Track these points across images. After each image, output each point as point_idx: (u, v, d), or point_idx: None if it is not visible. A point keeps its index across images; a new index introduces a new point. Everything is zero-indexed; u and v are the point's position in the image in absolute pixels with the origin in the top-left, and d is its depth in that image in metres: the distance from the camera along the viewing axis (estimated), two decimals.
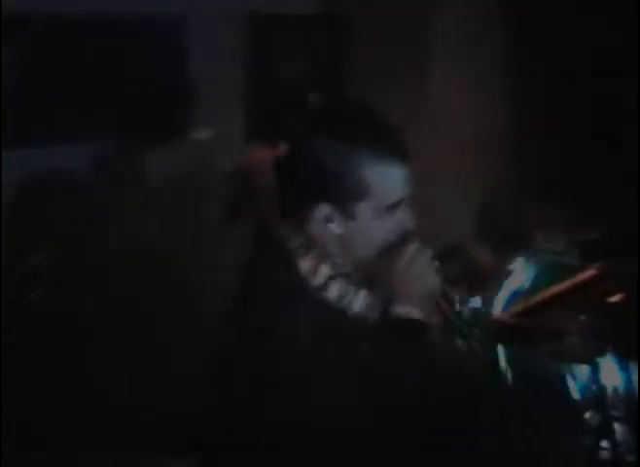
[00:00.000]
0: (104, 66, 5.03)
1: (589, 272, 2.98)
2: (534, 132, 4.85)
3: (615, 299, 2.91)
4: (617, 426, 3.09)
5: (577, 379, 3.14)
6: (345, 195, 1.69)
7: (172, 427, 3.83)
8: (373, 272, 1.78)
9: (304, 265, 1.74)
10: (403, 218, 1.75)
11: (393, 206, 1.72)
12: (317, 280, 1.73)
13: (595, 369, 3.01)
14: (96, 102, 5.01)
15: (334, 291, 1.74)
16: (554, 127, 4.77)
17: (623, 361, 3.03)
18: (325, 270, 1.75)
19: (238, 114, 5.45)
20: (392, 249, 1.74)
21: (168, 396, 4.14)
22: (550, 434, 3.11)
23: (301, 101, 4.27)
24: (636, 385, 3.05)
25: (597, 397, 3.05)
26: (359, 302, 1.76)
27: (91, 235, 4.74)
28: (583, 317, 2.90)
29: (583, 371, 3.09)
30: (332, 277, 1.74)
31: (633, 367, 3.08)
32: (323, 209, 1.71)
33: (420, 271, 1.74)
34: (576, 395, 3.16)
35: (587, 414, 3.14)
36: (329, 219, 1.72)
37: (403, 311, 1.72)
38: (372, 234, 1.74)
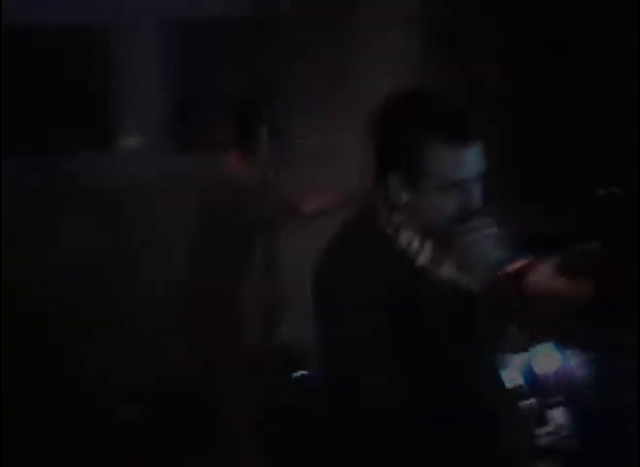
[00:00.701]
0: (28, 76, 4.97)
1: (526, 260, 3.03)
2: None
3: None
4: (555, 412, 3.14)
5: (515, 368, 3.18)
6: (413, 170, 1.92)
7: None
8: (437, 237, 1.97)
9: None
10: (466, 196, 1.94)
11: (454, 184, 1.91)
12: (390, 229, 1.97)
13: (532, 356, 3.06)
14: (22, 112, 4.95)
15: (403, 238, 1.97)
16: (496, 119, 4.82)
17: (560, 348, 3.09)
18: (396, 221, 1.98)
19: (165, 121, 5.42)
20: (455, 221, 1.93)
21: None
22: (489, 423, 3.14)
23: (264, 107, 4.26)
24: (575, 371, 3.10)
25: (538, 383, 3.09)
26: (426, 253, 1.97)
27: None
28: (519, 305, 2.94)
29: (520, 359, 3.14)
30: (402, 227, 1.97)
31: (569, 353, 3.14)
32: (394, 177, 1.94)
33: (479, 244, 1.96)
34: (515, 383, 3.20)
35: (527, 401, 3.19)
36: (399, 187, 1.94)
37: (455, 276, 1.95)
38: (435, 207, 1.94)
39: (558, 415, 3.12)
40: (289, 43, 5.47)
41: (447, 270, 1.95)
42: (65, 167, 4.99)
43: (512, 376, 3.20)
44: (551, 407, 3.12)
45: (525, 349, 3.06)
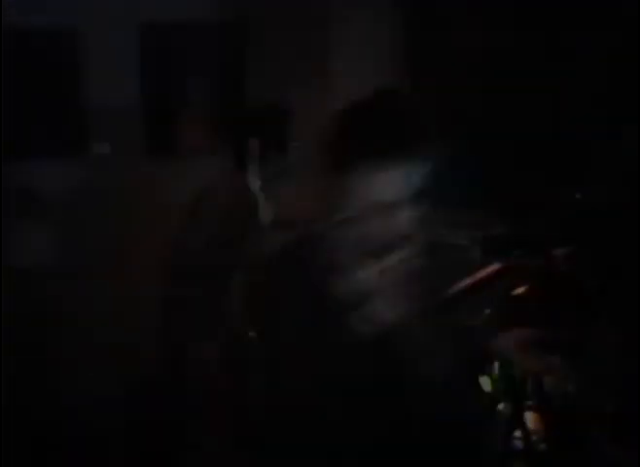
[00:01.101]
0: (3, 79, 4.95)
1: (493, 267, 3.03)
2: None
3: (519, 291, 2.96)
4: (528, 415, 3.15)
5: (488, 372, 3.19)
6: (348, 191, 1.78)
7: None
8: (366, 267, 1.81)
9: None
10: (401, 220, 1.82)
11: (391, 208, 1.79)
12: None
13: (505, 361, 3.06)
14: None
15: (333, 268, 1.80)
16: (459, 127, 4.83)
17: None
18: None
19: (137, 127, 5.40)
20: (385, 249, 1.79)
21: None
22: (461, 424, 3.14)
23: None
24: (544, 374, 3.10)
25: (508, 388, 3.10)
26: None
27: None
28: (488, 311, 2.95)
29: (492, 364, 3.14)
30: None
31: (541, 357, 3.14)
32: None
33: (404, 277, 1.79)
34: (488, 387, 3.21)
35: (500, 405, 3.19)
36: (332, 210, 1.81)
37: (382, 308, 1.77)
38: (369, 230, 1.79)
39: (529, 420, 3.13)
40: (263, 45, 5.47)
41: (379, 303, 1.79)
42: (36, 171, 4.98)
43: (483, 380, 3.21)
44: (523, 410, 3.13)
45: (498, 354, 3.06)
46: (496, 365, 3.11)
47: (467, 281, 3.13)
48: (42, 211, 4.98)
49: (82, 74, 5.21)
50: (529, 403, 3.14)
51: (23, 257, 4.81)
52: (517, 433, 3.13)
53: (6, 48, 4.96)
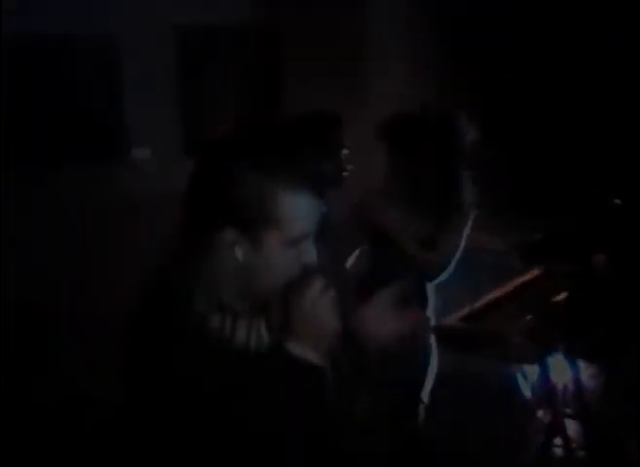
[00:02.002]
0: (38, 88, 4.99)
1: (532, 274, 3.02)
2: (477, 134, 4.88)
3: (559, 298, 2.95)
4: (568, 423, 3.13)
5: (527, 379, 3.18)
6: (253, 222, 1.61)
7: None
8: (270, 305, 1.68)
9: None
10: (308, 252, 1.65)
11: (299, 239, 1.63)
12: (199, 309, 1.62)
13: (544, 368, 3.05)
14: (31, 124, 4.97)
15: (214, 321, 1.63)
16: (492, 129, 4.81)
17: (572, 359, 3.07)
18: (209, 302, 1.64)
19: (175, 131, 5.42)
20: (293, 285, 1.63)
21: None
22: (503, 433, 3.14)
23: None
24: (585, 382, 3.09)
25: (548, 395, 3.09)
26: (243, 333, 1.66)
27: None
28: (528, 318, 2.93)
29: (533, 370, 3.13)
30: (215, 308, 1.64)
31: (581, 364, 3.13)
32: (229, 234, 1.61)
33: (321, 312, 1.63)
34: (527, 394, 3.19)
35: (539, 413, 3.18)
36: (233, 244, 1.62)
37: (297, 351, 1.60)
38: (274, 265, 1.63)
39: (570, 427, 3.12)
40: (296, 47, 5.48)
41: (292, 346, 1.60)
42: (76, 179, 5.01)
43: (522, 387, 3.20)
44: (562, 418, 3.12)
45: (537, 361, 3.05)
46: (535, 370, 3.11)
47: (506, 287, 3.12)
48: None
49: (118, 81, 5.24)
50: (568, 410, 3.13)
51: None
52: (557, 440, 3.12)
53: (43, 56, 5.01)
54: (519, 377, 3.18)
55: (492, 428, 2.91)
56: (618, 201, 2.88)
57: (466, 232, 3.04)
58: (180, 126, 5.43)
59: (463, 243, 3.02)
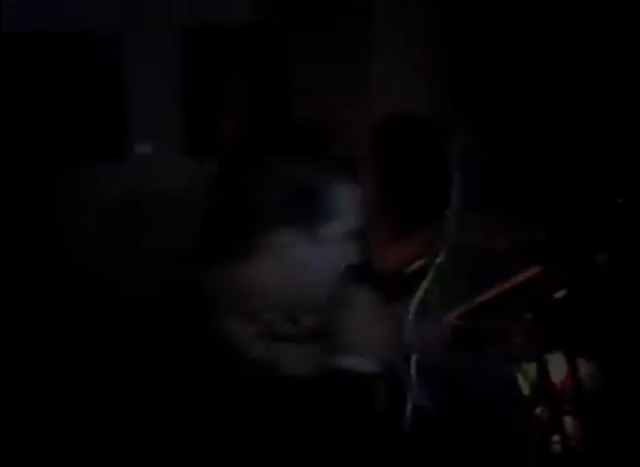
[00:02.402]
0: (42, 84, 5.01)
1: (533, 271, 3.03)
2: (474, 135, 4.88)
3: (559, 296, 2.96)
4: (567, 420, 3.15)
5: (526, 376, 3.19)
6: (308, 218, 1.53)
7: None
8: (318, 319, 1.59)
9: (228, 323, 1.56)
10: (350, 250, 1.58)
11: (350, 233, 1.57)
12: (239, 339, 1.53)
13: (543, 365, 3.06)
14: (36, 121, 4.99)
15: (256, 351, 1.52)
16: (495, 128, 4.82)
17: (571, 356, 3.09)
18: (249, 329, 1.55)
19: (177, 128, 5.44)
20: (342, 294, 1.56)
21: None
22: (501, 431, 3.15)
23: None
24: (584, 379, 3.10)
25: (547, 393, 3.10)
26: (290, 359, 1.55)
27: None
28: (528, 315, 2.94)
29: (531, 368, 3.14)
30: (256, 336, 1.55)
31: (580, 362, 3.14)
32: (283, 234, 1.53)
33: (374, 319, 1.56)
34: (526, 392, 3.20)
35: (538, 410, 3.19)
36: (288, 244, 1.53)
37: (348, 364, 1.52)
38: (327, 262, 1.55)
39: (569, 424, 3.13)
40: (303, 47, 5.48)
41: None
42: (78, 175, 5.03)
43: (521, 384, 3.21)
44: (561, 415, 3.13)
45: (534, 359, 3.06)
46: (533, 368, 3.12)
47: (506, 285, 3.12)
48: None
49: (122, 77, 5.26)
50: (567, 407, 3.14)
51: None
52: (556, 437, 3.13)
53: (47, 53, 5.03)
54: (518, 374, 3.19)
55: (490, 426, 2.92)
56: (619, 201, 2.90)
57: (448, 231, 3.04)
58: (182, 125, 5.45)
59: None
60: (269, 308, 1.56)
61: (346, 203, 1.57)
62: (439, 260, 3.06)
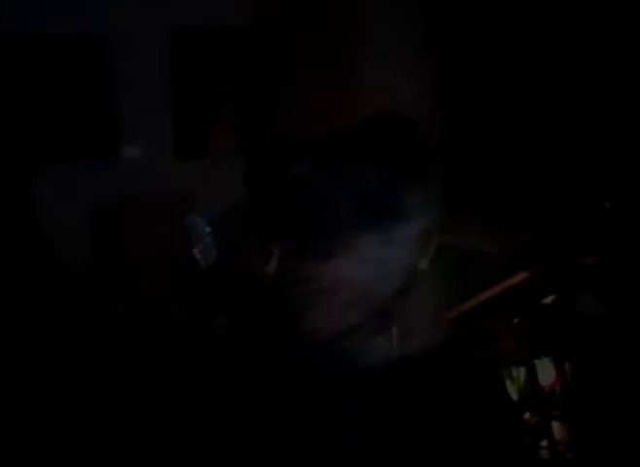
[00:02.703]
0: (29, 84, 5.00)
1: (521, 276, 3.03)
2: (464, 137, 4.89)
3: (548, 301, 2.96)
4: (555, 425, 3.14)
5: (514, 381, 3.19)
6: (384, 222, 1.63)
7: None
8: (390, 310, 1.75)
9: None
10: (417, 248, 1.72)
11: (417, 235, 1.71)
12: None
13: (532, 370, 3.06)
14: (21, 122, 4.98)
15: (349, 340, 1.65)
16: (484, 132, 4.82)
17: (559, 361, 3.09)
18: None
19: (166, 130, 5.41)
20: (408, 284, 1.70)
21: None
22: (490, 435, 3.14)
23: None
24: (572, 384, 3.10)
25: (535, 397, 3.10)
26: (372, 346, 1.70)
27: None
28: (517, 320, 2.95)
29: (520, 373, 3.14)
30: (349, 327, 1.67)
31: (569, 367, 3.14)
32: (365, 236, 1.64)
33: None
34: (514, 396, 3.20)
35: (526, 415, 3.19)
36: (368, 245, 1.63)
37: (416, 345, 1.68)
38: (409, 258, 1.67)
39: (557, 429, 3.13)
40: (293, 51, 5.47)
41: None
42: (66, 176, 5.01)
43: (509, 389, 3.21)
44: (549, 420, 3.13)
45: (525, 363, 3.06)
46: (522, 372, 3.12)
47: (495, 289, 3.12)
48: None
49: (112, 78, 5.24)
50: (556, 412, 3.14)
51: None
52: (544, 442, 3.13)
53: (35, 52, 5.02)
54: (506, 378, 3.19)
55: (478, 430, 2.91)
56: (607, 205, 2.90)
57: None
58: (171, 128, 5.43)
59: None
60: (354, 301, 1.69)
61: (416, 207, 1.70)
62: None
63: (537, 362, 3.03)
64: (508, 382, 3.16)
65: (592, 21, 4.53)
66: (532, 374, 3.05)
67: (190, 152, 5.38)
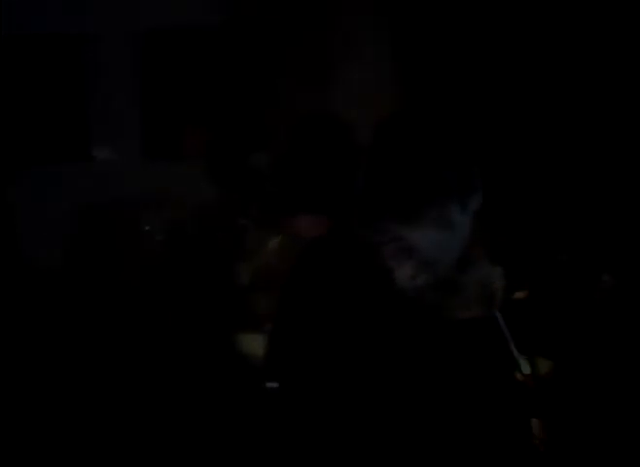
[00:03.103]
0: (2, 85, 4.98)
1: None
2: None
3: (520, 296, 2.96)
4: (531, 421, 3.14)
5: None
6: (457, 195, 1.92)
7: None
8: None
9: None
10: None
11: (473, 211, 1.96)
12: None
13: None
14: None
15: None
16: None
17: (532, 356, 3.08)
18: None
19: (137, 131, 5.41)
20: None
21: None
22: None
23: None
24: (546, 379, 3.10)
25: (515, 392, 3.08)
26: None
27: None
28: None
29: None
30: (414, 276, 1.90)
31: (542, 362, 3.14)
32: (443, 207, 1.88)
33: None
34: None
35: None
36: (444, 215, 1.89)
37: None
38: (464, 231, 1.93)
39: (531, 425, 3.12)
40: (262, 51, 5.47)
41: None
42: (36, 178, 5.00)
43: None
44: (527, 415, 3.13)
45: None
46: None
47: None
48: None
49: (84, 80, 5.22)
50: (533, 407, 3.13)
51: None
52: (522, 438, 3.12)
53: (8, 53, 4.99)
54: None
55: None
56: (582, 204, 2.90)
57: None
58: (140, 128, 5.42)
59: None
60: (424, 264, 1.92)
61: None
62: None
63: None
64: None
65: (593, 22, 4.53)
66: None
67: (160, 152, 5.38)
